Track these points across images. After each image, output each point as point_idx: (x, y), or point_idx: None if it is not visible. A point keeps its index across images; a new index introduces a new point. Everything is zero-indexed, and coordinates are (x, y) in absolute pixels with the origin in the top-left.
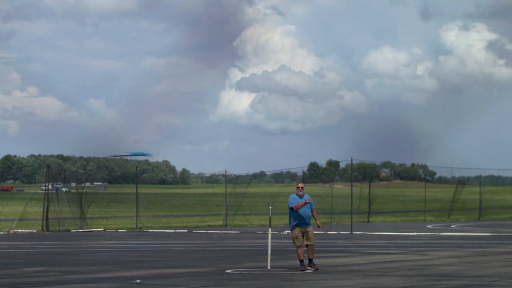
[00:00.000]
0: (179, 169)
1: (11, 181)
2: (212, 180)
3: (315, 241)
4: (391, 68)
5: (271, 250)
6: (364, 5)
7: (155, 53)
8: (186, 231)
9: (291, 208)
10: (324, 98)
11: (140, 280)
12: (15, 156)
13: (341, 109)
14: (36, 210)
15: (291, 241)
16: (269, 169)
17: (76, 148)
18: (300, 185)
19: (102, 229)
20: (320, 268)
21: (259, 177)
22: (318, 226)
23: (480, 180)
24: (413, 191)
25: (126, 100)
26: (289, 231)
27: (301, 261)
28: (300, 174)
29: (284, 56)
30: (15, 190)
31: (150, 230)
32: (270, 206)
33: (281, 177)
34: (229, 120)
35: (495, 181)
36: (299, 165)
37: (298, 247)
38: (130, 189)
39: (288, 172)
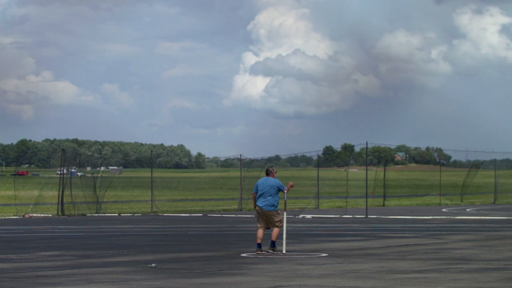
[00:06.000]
0: (194, 153)
1: (26, 165)
2: (227, 164)
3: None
4: (405, 52)
5: (286, 234)
6: None
7: (169, 37)
8: (201, 215)
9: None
10: (338, 82)
11: (155, 264)
12: (30, 140)
13: (355, 93)
14: (51, 194)
15: (306, 225)
16: (284, 153)
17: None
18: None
19: (116, 214)
20: (335, 252)
21: (274, 161)
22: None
23: (495, 164)
24: (428, 174)
25: (140, 85)
26: (306, 216)
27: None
28: (315, 158)
29: (298, 40)
30: (30, 175)
31: (165, 214)
32: (285, 190)
33: (296, 161)
34: (243, 104)
35: (510, 164)
36: (314, 149)
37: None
38: (145, 173)
39: (303, 156)
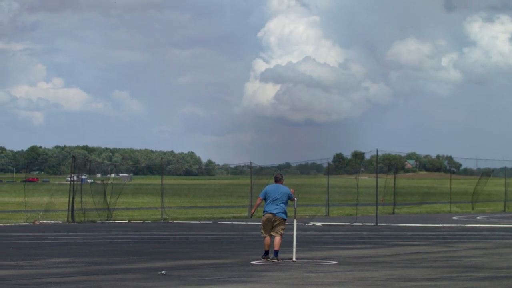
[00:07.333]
0: (204, 160)
1: (37, 172)
2: (237, 171)
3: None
4: (416, 60)
5: (296, 242)
6: None
7: (180, 44)
8: (211, 222)
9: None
10: (348, 89)
11: (165, 271)
12: (40, 147)
13: (366, 100)
14: (61, 201)
15: (316, 232)
16: (294, 161)
17: None
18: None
19: (127, 221)
20: (345, 260)
21: (284, 169)
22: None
23: (506, 172)
24: (438, 182)
25: (150, 92)
26: (316, 223)
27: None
28: (325, 165)
29: (308, 47)
30: (40, 181)
31: (175, 221)
32: (295, 197)
33: (306, 169)
34: (253, 111)
35: None
36: (324, 157)
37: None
38: (155, 180)
39: (313, 164)
